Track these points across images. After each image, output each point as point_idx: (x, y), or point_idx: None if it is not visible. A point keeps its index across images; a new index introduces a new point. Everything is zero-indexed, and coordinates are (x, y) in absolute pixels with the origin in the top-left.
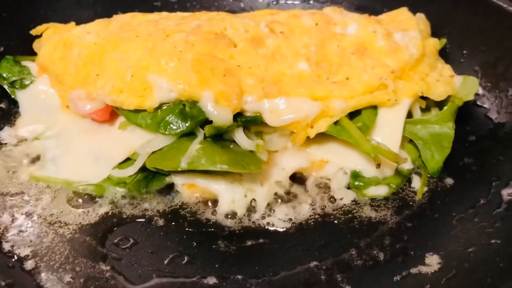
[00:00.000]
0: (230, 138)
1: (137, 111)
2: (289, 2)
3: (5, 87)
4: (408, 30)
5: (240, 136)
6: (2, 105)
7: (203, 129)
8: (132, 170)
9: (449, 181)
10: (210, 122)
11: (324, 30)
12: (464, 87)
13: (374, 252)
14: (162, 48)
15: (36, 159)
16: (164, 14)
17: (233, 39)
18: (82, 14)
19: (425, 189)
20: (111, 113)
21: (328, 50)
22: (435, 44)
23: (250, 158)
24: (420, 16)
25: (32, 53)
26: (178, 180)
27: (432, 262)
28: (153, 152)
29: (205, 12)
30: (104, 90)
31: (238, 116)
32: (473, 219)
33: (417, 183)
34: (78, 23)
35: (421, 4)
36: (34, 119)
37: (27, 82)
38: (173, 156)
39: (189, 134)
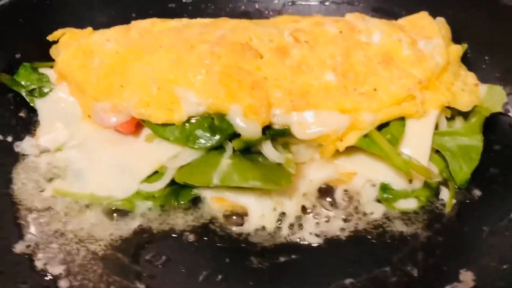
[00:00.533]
0: (257, 150)
1: (164, 124)
2: (304, 3)
3: (24, 95)
4: (432, 37)
5: (268, 149)
6: (22, 114)
7: (231, 142)
8: (161, 184)
9: (477, 192)
10: (238, 135)
11: (348, 39)
12: (490, 97)
13: (408, 268)
14: (187, 60)
15: (60, 172)
16: (185, 21)
17: (259, 50)
18: (96, 18)
19: (454, 201)
20: (136, 125)
21: (354, 59)
22: (457, 50)
23: (280, 172)
24: (440, 20)
25: (49, 59)
26: (206, 194)
27: (467, 279)
28: (181, 166)
29: (226, 19)
30: (130, 102)
31: (266, 128)
32: (504, 232)
33: (445, 195)
34: (93, 27)
35: (440, 7)
36: (54, 128)
37: (46, 90)
38: (204, 171)
39: (217, 147)
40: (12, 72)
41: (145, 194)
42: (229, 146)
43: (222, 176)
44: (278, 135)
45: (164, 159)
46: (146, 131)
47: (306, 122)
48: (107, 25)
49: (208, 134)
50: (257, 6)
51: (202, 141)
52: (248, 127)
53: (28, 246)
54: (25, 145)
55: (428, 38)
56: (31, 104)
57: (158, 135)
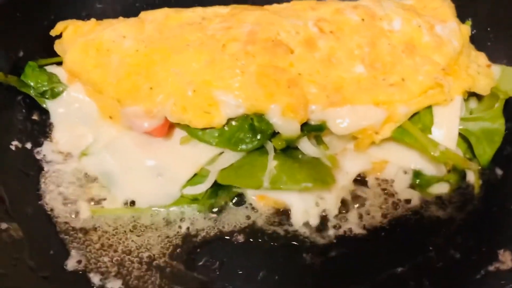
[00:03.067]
0: (293, 145)
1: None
2: None
3: (33, 95)
4: (446, 20)
5: (305, 145)
6: (35, 117)
7: (270, 142)
8: (205, 186)
9: (498, 171)
10: (275, 134)
11: (371, 27)
12: (505, 79)
13: (451, 252)
14: (222, 60)
15: (92, 180)
16: (199, 11)
17: (289, 44)
18: (93, 5)
19: (480, 182)
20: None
21: (380, 49)
22: (467, 31)
23: (321, 168)
24: None
25: (53, 54)
26: (247, 192)
27: (506, 259)
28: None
29: (243, 8)
30: (165, 106)
31: (304, 125)
32: None
33: (470, 177)
34: (92, 15)
35: None
36: (71, 131)
37: (58, 91)
38: (250, 173)
39: (257, 147)
40: (17, 73)
41: (189, 198)
42: (270, 146)
43: (272, 178)
44: (315, 130)
45: (204, 161)
46: (178, 133)
47: (343, 117)
48: (105, 12)
49: (249, 136)
50: None
51: (245, 143)
52: (287, 125)
53: (79, 262)
54: (45, 151)
55: (443, 21)
56: (43, 105)
57: (197, 139)
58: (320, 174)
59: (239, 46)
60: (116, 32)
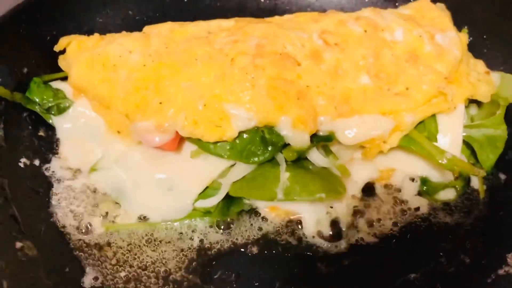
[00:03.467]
0: (303, 156)
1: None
2: None
3: (38, 112)
4: (445, 30)
5: (315, 155)
6: (41, 133)
7: (281, 153)
8: (217, 199)
9: (502, 176)
10: (285, 145)
11: (374, 38)
12: (505, 86)
13: (461, 256)
14: (231, 74)
15: (102, 195)
16: (203, 24)
17: (296, 57)
18: (94, 19)
19: (484, 187)
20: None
21: (384, 59)
22: (465, 39)
23: (332, 178)
24: (441, 6)
25: (57, 69)
26: (259, 204)
27: None
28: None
29: (246, 20)
30: (176, 121)
31: (313, 136)
32: None
33: (475, 182)
34: (93, 29)
35: None
36: (79, 147)
37: (64, 106)
38: (263, 185)
39: (268, 159)
40: (22, 89)
41: (202, 211)
42: (281, 158)
43: (285, 190)
44: (324, 141)
45: (215, 174)
46: (188, 146)
47: (351, 127)
48: (106, 26)
49: (261, 148)
50: None
51: (257, 155)
52: (297, 137)
53: (95, 279)
54: (54, 167)
55: (442, 31)
56: (49, 121)
57: (209, 152)
58: (331, 184)
59: (248, 59)
60: (122, 47)
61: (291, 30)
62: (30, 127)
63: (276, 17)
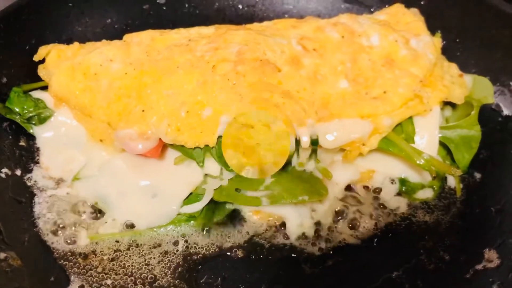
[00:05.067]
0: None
1: (196, 147)
2: None
3: (19, 122)
4: (420, 34)
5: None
6: (22, 143)
7: None
8: (201, 204)
9: (477, 175)
10: None
11: (351, 43)
12: (477, 88)
13: (440, 253)
14: (213, 81)
15: (86, 204)
16: (183, 31)
17: (276, 63)
18: (72, 28)
19: (461, 186)
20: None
21: (361, 64)
22: (438, 43)
23: (315, 180)
24: (414, 11)
25: (36, 79)
26: (243, 207)
27: (492, 257)
28: None
29: (226, 28)
30: (159, 128)
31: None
32: (509, 210)
33: (451, 182)
34: (72, 38)
35: None
36: (61, 156)
37: (44, 116)
38: (247, 190)
39: None
40: (1, 99)
41: (186, 216)
42: None
43: (270, 194)
44: (312, 145)
45: (199, 180)
46: (171, 153)
47: (332, 131)
48: (85, 34)
49: None
50: (230, 2)
51: None
52: None
53: None
54: (36, 177)
55: (417, 35)
56: (30, 131)
57: (192, 158)
58: (314, 186)
59: (230, 66)
60: (103, 56)
61: (270, 36)
62: (10, 137)
63: (256, 24)
